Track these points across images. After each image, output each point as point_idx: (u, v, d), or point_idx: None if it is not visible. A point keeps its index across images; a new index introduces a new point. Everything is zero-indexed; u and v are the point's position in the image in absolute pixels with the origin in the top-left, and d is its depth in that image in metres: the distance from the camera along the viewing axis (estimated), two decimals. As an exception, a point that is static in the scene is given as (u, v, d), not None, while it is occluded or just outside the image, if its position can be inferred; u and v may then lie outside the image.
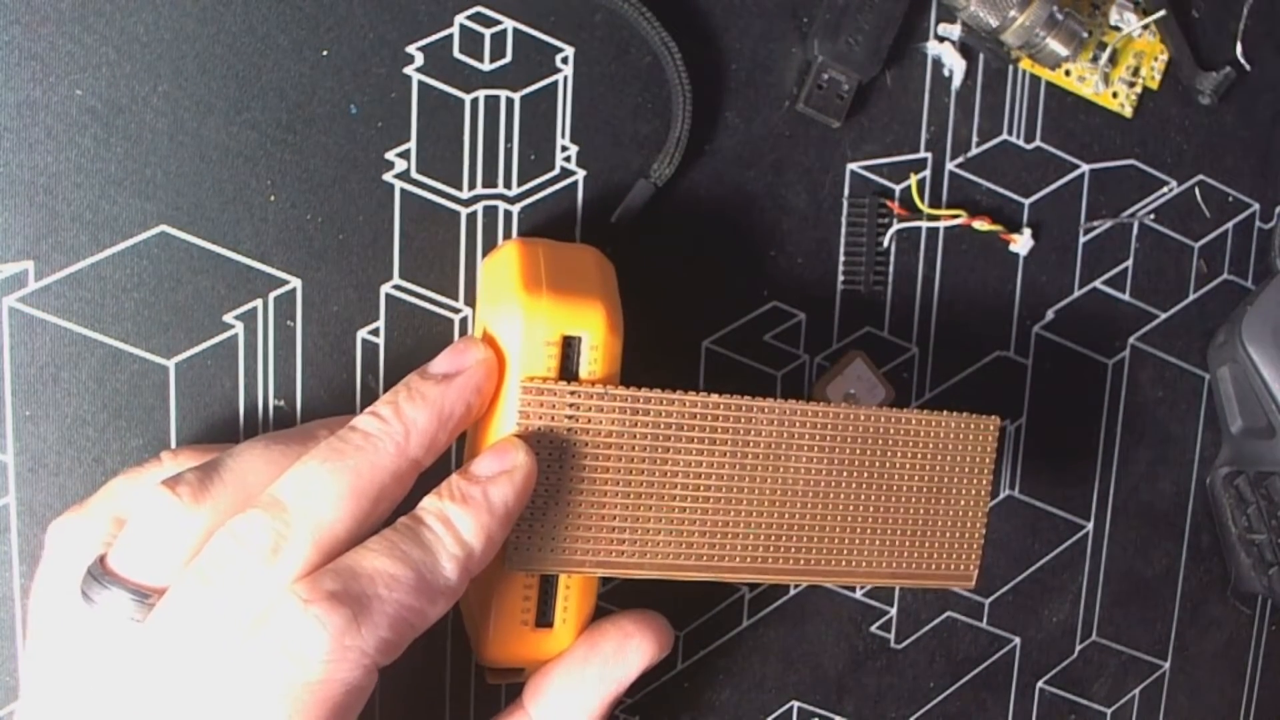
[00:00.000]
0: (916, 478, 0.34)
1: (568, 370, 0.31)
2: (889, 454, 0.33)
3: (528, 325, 0.30)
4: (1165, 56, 0.42)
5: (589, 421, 0.31)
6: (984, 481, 0.34)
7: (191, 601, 0.27)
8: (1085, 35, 0.38)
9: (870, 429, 0.33)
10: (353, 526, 0.28)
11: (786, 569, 0.33)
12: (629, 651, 0.33)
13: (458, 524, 0.29)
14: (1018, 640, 0.44)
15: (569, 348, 0.31)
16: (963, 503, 0.34)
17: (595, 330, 0.31)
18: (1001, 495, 0.43)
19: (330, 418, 0.33)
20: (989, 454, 0.34)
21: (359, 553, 0.27)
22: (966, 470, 0.34)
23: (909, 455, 0.34)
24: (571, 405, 0.31)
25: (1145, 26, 0.41)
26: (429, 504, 0.29)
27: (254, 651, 0.26)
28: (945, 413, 0.34)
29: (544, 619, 0.33)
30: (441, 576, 0.28)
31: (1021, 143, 0.41)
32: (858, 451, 0.33)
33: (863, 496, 0.33)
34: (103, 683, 0.28)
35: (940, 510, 0.34)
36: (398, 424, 0.29)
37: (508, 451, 0.30)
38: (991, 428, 0.34)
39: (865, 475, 0.33)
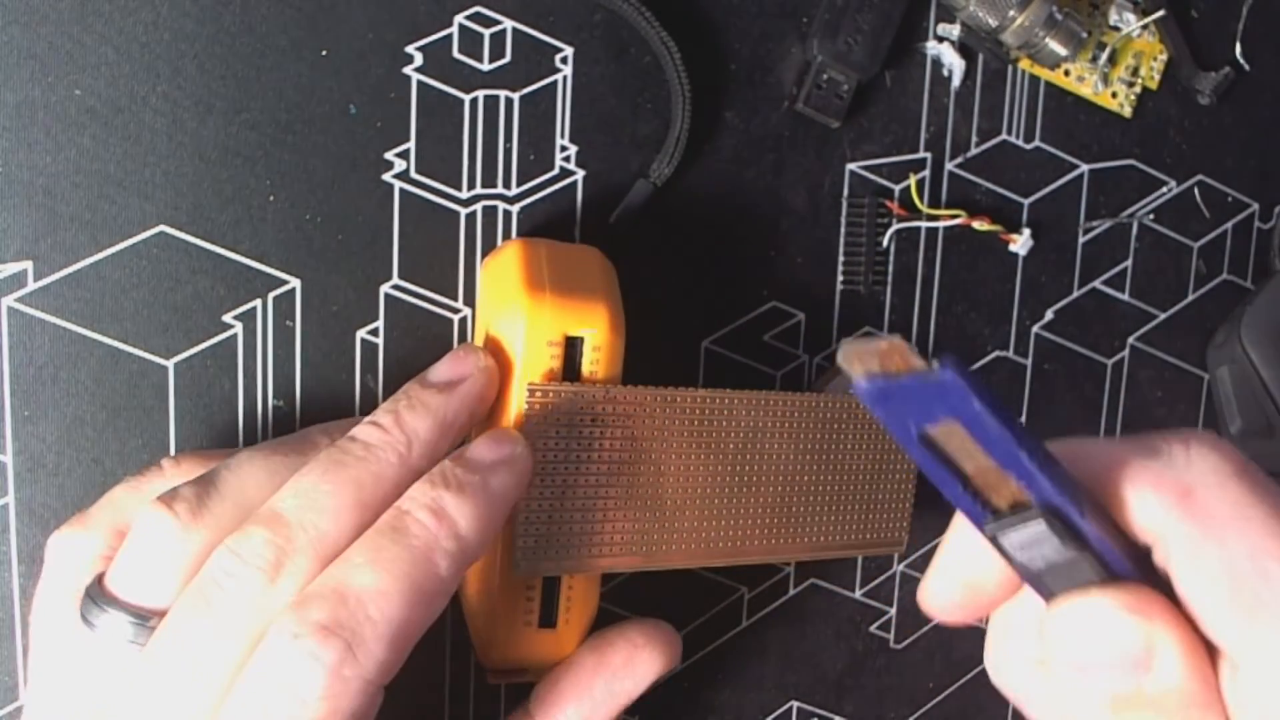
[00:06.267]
0: (862, 456, 0.36)
1: (570, 370, 0.31)
2: (840, 436, 0.36)
3: (531, 326, 0.31)
4: (1164, 56, 0.42)
5: (592, 421, 0.31)
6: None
7: (192, 625, 0.26)
8: (1084, 35, 0.38)
9: (823, 413, 0.35)
10: (355, 539, 0.27)
11: (762, 549, 0.35)
12: (638, 664, 0.32)
13: (454, 514, 0.27)
14: (1017, 640, 0.44)
15: (572, 348, 0.31)
16: (897, 476, 0.37)
17: (598, 330, 0.31)
18: (1001, 495, 0.43)
19: (328, 423, 0.32)
20: None
21: (345, 568, 0.26)
22: (899, 447, 0.37)
23: (855, 436, 0.36)
24: (575, 405, 0.31)
25: (1144, 26, 0.41)
26: (419, 494, 0.27)
27: (253, 689, 0.25)
28: None
29: (547, 620, 0.33)
30: (435, 578, 0.26)
31: (1021, 143, 0.41)
32: (817, 434, 0.35)
33: (822, 474, 0.36)
34: (103, 709, 0.27)
35: (880, 484, 0.37)
36: (399, 434, 0.28)
37: (505, 439, 0.29)
38: None
39: (824, 455, 0.36)
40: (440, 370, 0.30)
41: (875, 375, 0.21)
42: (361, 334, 0.35)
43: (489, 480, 0.28)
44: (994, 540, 0.23)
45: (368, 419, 0.29)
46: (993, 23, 0.38)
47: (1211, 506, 0.22)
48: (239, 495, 0.28)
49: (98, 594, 0.27)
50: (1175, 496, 0.22)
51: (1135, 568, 0.22)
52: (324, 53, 0.34)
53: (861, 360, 0.21)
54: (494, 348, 0.32)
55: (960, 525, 0.25)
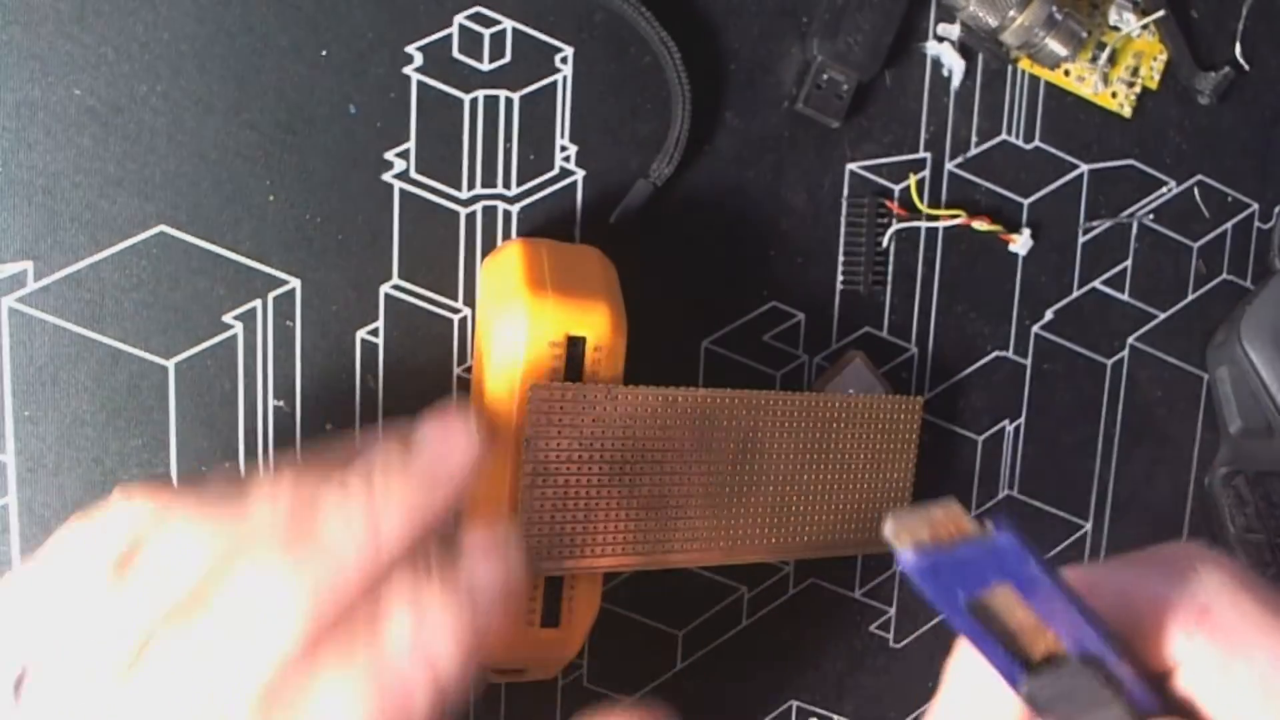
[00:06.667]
0: (861, 455, 0.37)
1: (572, 370, 0.31)
2: (840, 435, 0.36)
3: (533, 326, 0.31)
4: (1164, 56, 0.42)
5: (594, 421, 0.31)
6: (911, 453, 0.38)
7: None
8: (1084, 35, 0.38)
9: (823, 412, 0.36)
10: (314, 639, 0.23)
11: (762, 548, 0.35)
12: None
13: (437, 648, 0.24)
14: (1017, 640, 0.44)
15: (573, 348, 0.31)
16: (895, 473, 0.38)
17: (599, 331, 0.31)
18: (1001, 495, 0.43)
19: (270, 478, 0.26)
20: (915, 429, 0.38)
21: (315, 695, 0.23)
22: (898, 444, 0.38)
23: (854, 434, 0.36)
24: (577, 406, 0.31)
25: (1144, 26, 0.41)
26: (402, 617, 0.24)
27: None
28: (879, 394, 0.38)
29: (549, 619, 0.33)
30: (407, 713, 0.23)
31: (1021, 143, 0.41)
32: (816, 434, 0.36)
33: (821, 474, 0.36)
34: None
35: (879, 482, 0.37)
36: (367, 528, 0.24)
37: (500, 557, 0.25)
38: (916, 406, 0.38)
39: (823, 454, 0.36)
40: (424, 452, 0.26)
41: (925, 546, 0.20)
42: (361, 334, 0.35)
43: (476, 602, 0.25)
44: (1030, 696, 0.22)
45: (334, 502, 0.25)
46: (993, 23, 0.38)
47: (1232, 625, 0.22)
48: (167, 567, 0.24)
49: (16, 695, 0.24)
50: (1195, 621, 0.22)
51: (1161, 702, 0.22)
52: (324, 53, 0.34)
53: (911, 531, 0.20)
54: (495, 348, 0.32)
55: (961, 684, 0.24)
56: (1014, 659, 0.22)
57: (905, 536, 0.20)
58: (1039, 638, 0.22)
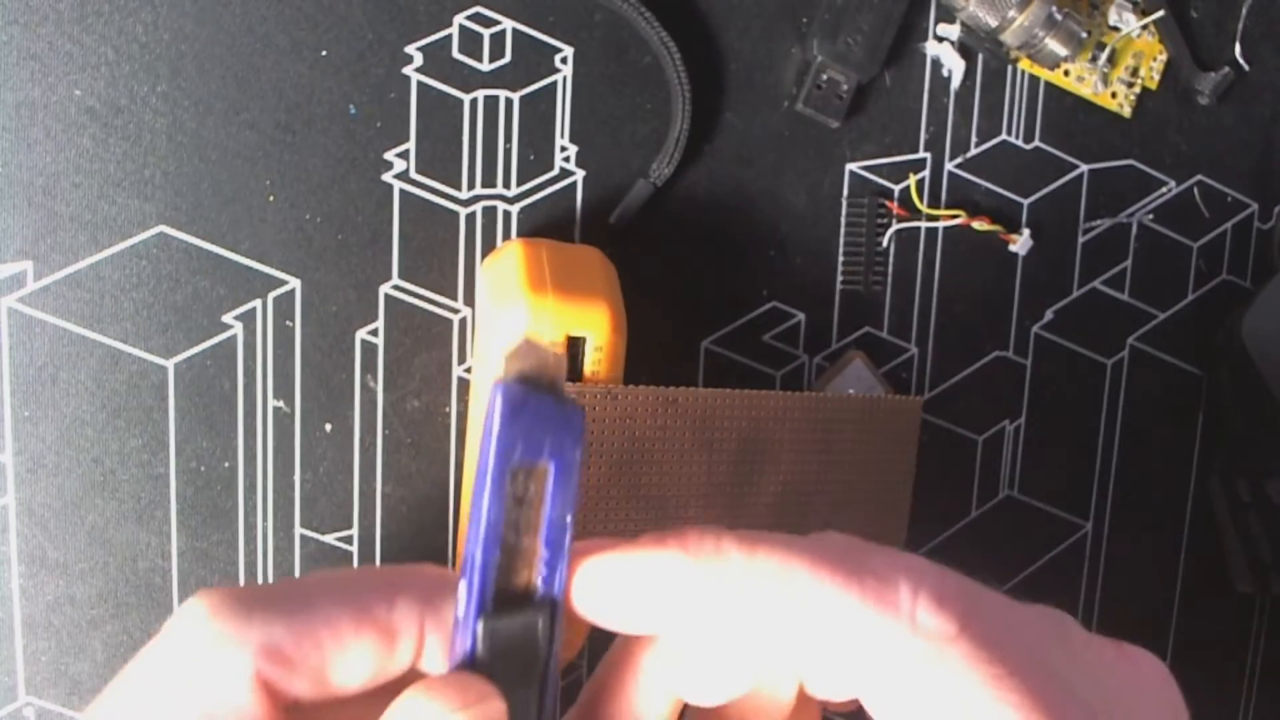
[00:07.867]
0: (861, 453, 0.37)
1: (573, 371, 0.31)
2: (840, 436, 0.36)
3: (533, 326, 0.31)
4: (1164, 57, 0.42)
5: (593, 421, 0.31)
6: (911, 454, 0.38)
7: None
8: (1084, 35, 0.38)
9: (822, 412, 0.35)
10: None
11: None
12: None
13: None
14: (1017, 640, 0.44)
15: (574, 348, 0.31)
16: (895, 473, 0.37)
17: (600, 331, 0.31)
18: (1001, 495, 0.43)
19: None
20: (915, 429, 0.38)
21: None
22: (898, 444, 0.38)
23: (854, 434, 0.36)
24: None
25: (1144, 27, 0.41)
26: None
27: None
28: (879, 394, 0.38)
29: None
30: None
31: (1020, 143, 0.41)
32: (815, 434, 0.36)
33: (820, 474, 0.36)
34: None
35: (877, 482, 0.37)
36: None
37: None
38: (916, 406, 0.38)
39: (822, 455, 0.36)
40: None
41: (527, 377, 0.20)
42: (361, 334, 0.35)
43: None
44: (488, 629, 0.20)
45: None
46: (992, 23, 0.38)
47: None
48: None
49: None
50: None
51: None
52: (323, 53, 0.34)
53: (520, 359, 0.19)
54: (495, 348, 0.32)
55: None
56: (486, 586, 0.20)
57: (516, 361, 0.19)
58: (515, 573, 0.21)
